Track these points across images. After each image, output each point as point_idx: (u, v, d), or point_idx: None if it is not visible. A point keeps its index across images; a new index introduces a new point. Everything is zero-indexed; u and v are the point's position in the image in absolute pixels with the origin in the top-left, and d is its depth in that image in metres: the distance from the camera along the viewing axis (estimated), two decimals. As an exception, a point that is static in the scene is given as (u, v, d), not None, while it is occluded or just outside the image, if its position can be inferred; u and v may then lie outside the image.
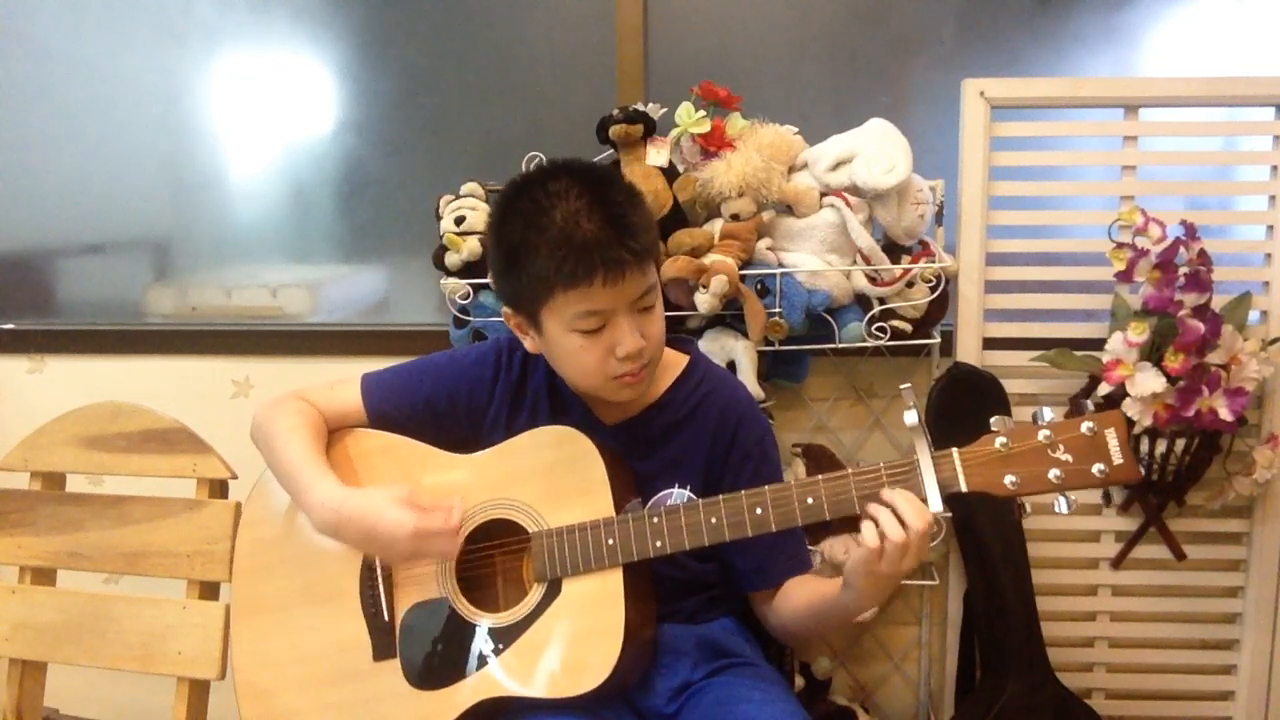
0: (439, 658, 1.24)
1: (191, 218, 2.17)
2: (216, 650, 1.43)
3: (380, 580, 1.28)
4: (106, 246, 2.21)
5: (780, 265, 1.71)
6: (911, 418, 1.11)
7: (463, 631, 1.24)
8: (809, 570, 1.33)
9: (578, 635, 1.19)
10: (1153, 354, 1.67)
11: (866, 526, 1.10)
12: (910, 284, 1.73)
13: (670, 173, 1.72)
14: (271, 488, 1.35)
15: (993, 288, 1.85)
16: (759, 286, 1.69)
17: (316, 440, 1.31)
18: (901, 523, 1.08)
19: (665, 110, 1.75)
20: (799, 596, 1.29)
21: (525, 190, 1.21)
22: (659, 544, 1.19)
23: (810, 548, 1.68)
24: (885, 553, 1.08)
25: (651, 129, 1.74)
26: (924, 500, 1.10)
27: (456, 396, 1.36)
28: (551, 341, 1.23)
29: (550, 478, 1.25)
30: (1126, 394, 1.66)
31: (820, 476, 1.14)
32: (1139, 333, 1.66)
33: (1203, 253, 1.68)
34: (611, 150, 1.75)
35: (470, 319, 1.78)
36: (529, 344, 1.29)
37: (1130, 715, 1.93)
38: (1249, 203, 1.92)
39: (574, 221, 1.15)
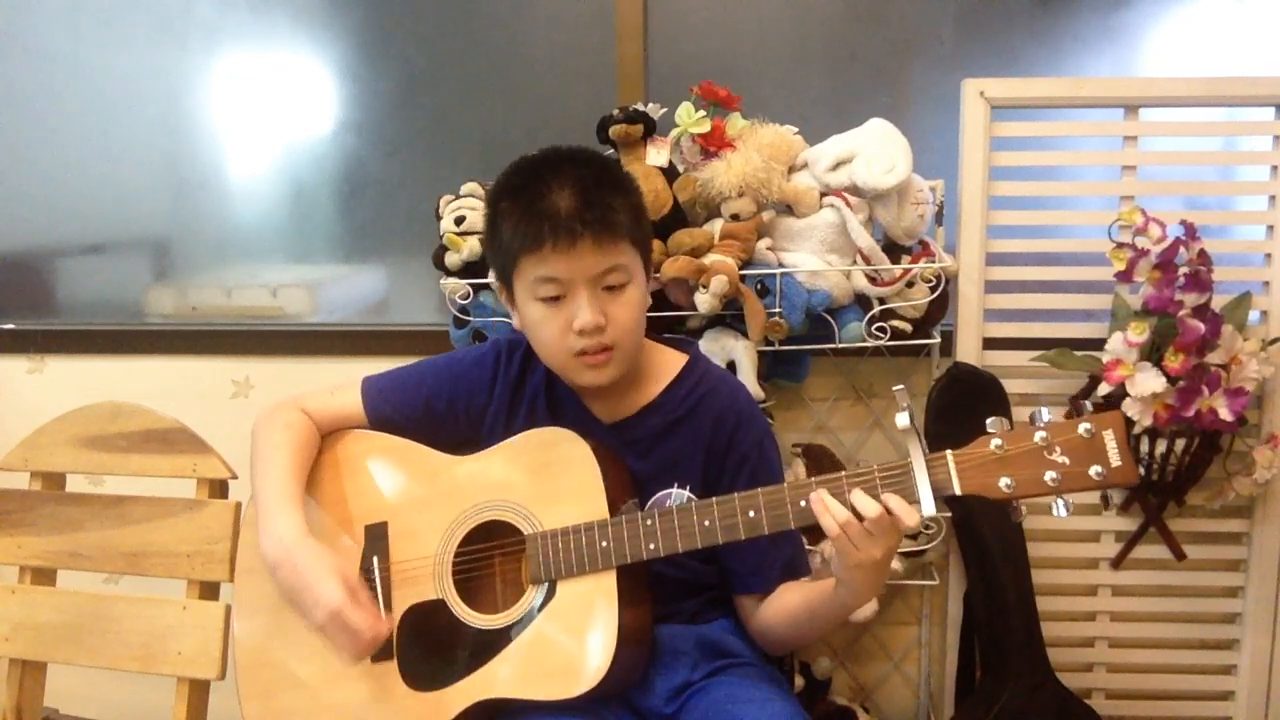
0: (436, 659, 1.24)
1: (191, 218, 2.17)
2: (216, 650, 1.44)
3: (378, 582, 1.28)
4: (106, 246, 2.21)
5: (780, 265, 1.71)
6: (903, 420, 1.09)
7: (459, 633, 1.24)
8: (808, 575, 1.33)
9: (573, 637, 1.19)
10: (1153, 354, 1.67)
11: (822, 519, 1.11)
12: (910, 284, 1.73)
13: (670, 173, 1.72)
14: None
15: (993, 288, 1.85)
16: (759, 286, 1.69)
17: (299, 463, 1.31)
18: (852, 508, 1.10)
19: (665, 110, 1.75)
20: (792, 598, 1.29)
21: (520, 168, 1.27)
22: (652, 546, 1.19)
23: (810, 548, 1.68)
24: (850, 538, 1.09)
25: (651, 129, 1.74)
26: (917, 504, 1.09)
27: (456, 398, 1.36)
28: (521, 313, 1.27)
29: (545, 479, 1.25)
30: (1126, 394, 1.66)
31: (814, 479, 1.14)
32: (1139, 333, 1.66)
33: (1203, 253, 1.68)
34: (611, 150, 1.75)
35: (470, 319, 1.78)
36: (515, 320, 1.31)
37: (1130, 715, 1.93)
38: (1249, 203, 1.92)
39: (543, 193, 1.20)
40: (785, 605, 1.29)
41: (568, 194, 1.20)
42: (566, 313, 1.22)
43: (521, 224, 1.21)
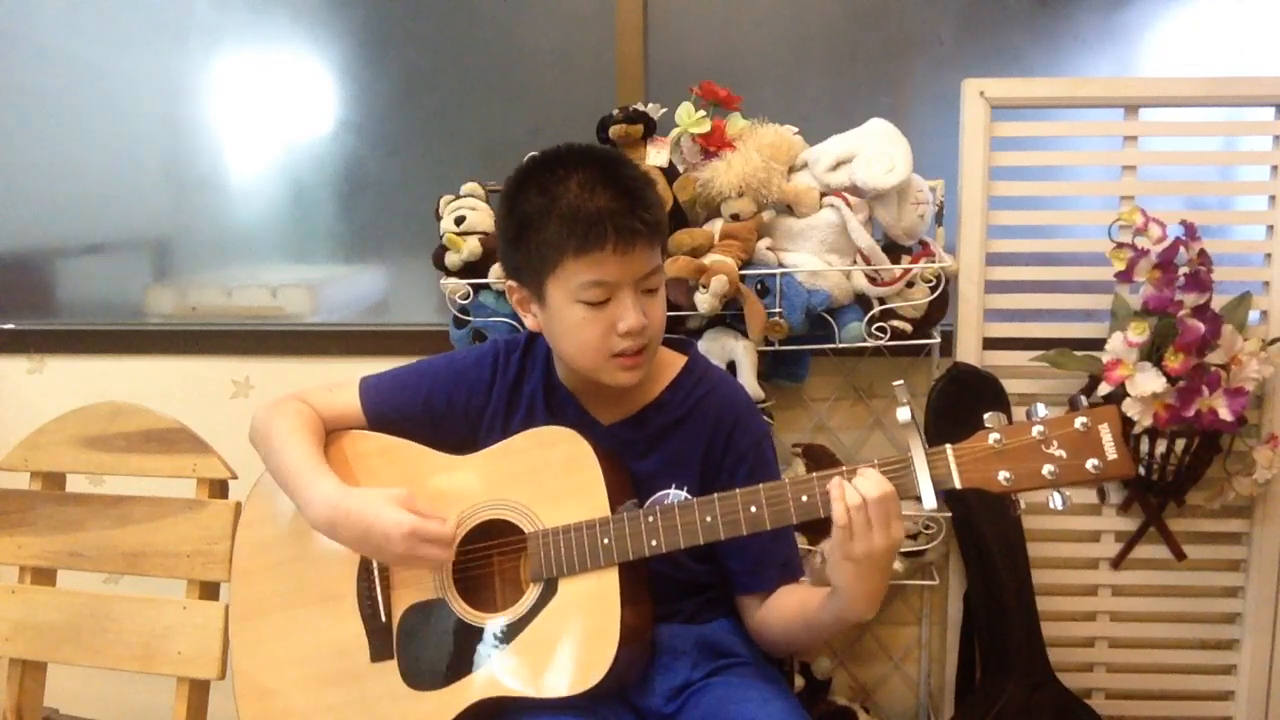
0: (436, 658, 1.24)
1: (191, 218, 2.17)
2: (216, 650, 1.44)
3: (378, 581, 1.28)
4: (106, 246, 2.21)
5: (780, 265, 1.71)
6: (904, 414, 1.10)
7: (460, 632, 1.24)
8: (802, 577, 1.33)
9: (574, 635, 1.19)
10: (1153, 354, 1.67)
11: (835, 505, 1.10)
12: (910, 284, 1.73)
13: (670, 173, 1.73)
14: (270, 489, 1.35)
15: (993, 288, 1.85)
16: (759, 286, 1.69)
17: (315, 440, 1.31)
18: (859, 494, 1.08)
19: (665, 110, 1.76)
20: (789, 605, 1.28)
21: (542, 163, 1.23)
22: (654, 543, 1.18)
23: (809, 548, 1.68)
24: (854, 528, 1.08)
25: (651, 129, 1.74)
26: (917, 498, 1.09)
27: (455, 398, 1.36)
28: (554, 314, 1.23)
29: (546, 478, 1.25)
30: (1126, 394, 1.66)
31: (814, 474, 1.14)
32: (1139, 333, 1.66)
33: (1203, 253, 1.68)
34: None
35: (470, 319, 1.78)
36: (530, 321, 1.29)
37: (1130, 715, 1.93)
38: (1249, 203, 1.92)
39: (589, 189, 1.18)
40: (782, 609, 1.29)
41: (611, 193, 1.17)
42: (610, 314, 1.20)
43: (572, 226, 1.16)
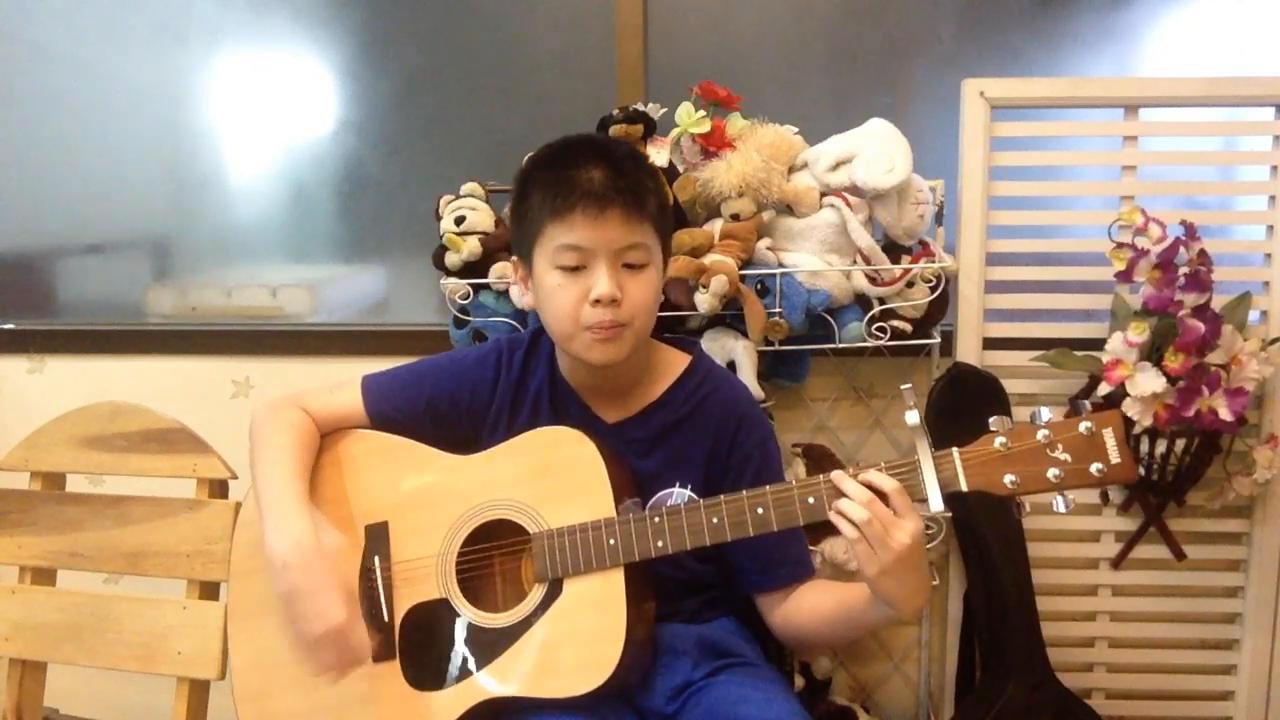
0: (439, 659, 1.24)
1: (191, 218, 2.17)
2: (216, 650, 1.44)
3: (379, 581, 1.28)
4: (106, 246, 2.21)
5: (780, 265, 1.71)
6: (913, 418, 1.12)
7: (463, 632, 1.24)
8: (812, 574, 1.33)
9: (579, 636, 1.19)
10: (1153, 354, 1.67)
11: (839, 524, 1.10)
12: (910, 284, 1.73)
13: (670, 173, 1.72)
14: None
15: (993, 288, 1.85)
16: (759, 286, 1.69)
17: (305, 462, 1.30)
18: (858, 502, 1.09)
19: (665, 110, 1.76)
20: (824, 604, 1.28)
21: (554, 144, 1.29)
22: (660, 544, 1.19)
23: (810, 548, 1.68)
24: (870, 538, 1.08)
25: (651, 129, 1.74)
26: (924, 500, 1.10)
27: (458, 397, 1.36)
28: (537, 282, 1.26)
29: (550, 478, 1.25)
30: (1126, 394, 1.66)
31: (821, 476, 1.14)
32: (1139, 333, 1.66)
33: (1203, 253, 1.68)
34: (611, 150, 1.75)
35: (470, 319, 1.78)
36: (526, 300, 1.32)
37: (1130, 715, 1.93)
38: (1249, 203, 1.92)
39: (577, 163, 1.22)
40: (816, 609, 1.29)
41: (601, 167, 1.22)
42: (585, 283, 1.22)
43: (551, 190, 1.22)
